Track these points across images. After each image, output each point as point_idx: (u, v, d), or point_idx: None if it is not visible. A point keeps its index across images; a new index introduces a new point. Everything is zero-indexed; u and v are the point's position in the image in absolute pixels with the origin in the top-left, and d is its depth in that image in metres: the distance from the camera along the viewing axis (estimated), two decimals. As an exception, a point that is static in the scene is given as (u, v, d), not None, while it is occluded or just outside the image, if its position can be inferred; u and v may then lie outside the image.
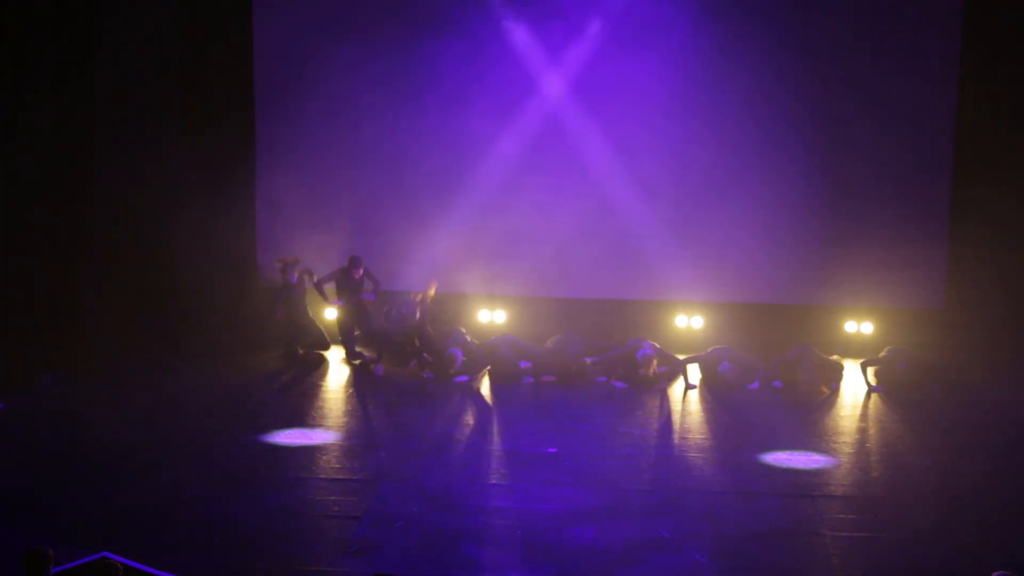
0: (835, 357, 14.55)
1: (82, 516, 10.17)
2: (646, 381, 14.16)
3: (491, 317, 15.87)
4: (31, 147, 14.14)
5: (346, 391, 14.14)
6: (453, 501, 10.62)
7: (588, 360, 14.41)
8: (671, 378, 14.27)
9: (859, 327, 15.52)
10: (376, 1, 15.72)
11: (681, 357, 14.35)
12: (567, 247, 15.56)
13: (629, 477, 11.29)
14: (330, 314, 15.50)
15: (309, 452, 11.86)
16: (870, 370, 14.33)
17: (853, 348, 15.29)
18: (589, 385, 14.23)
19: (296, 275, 15.19)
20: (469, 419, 13.03)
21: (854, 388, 14.32)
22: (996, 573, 7.28)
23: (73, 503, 10.45)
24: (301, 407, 13.36)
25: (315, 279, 15.30)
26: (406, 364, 14.78)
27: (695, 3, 15.30)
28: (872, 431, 12.67)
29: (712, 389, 14.18)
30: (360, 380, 14.53)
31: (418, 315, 14.64)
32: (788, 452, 11.95)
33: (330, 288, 15.25)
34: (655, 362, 14.16)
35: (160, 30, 15.43)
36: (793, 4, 15.29)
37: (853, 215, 15.49)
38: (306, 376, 14.62)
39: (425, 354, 14.66)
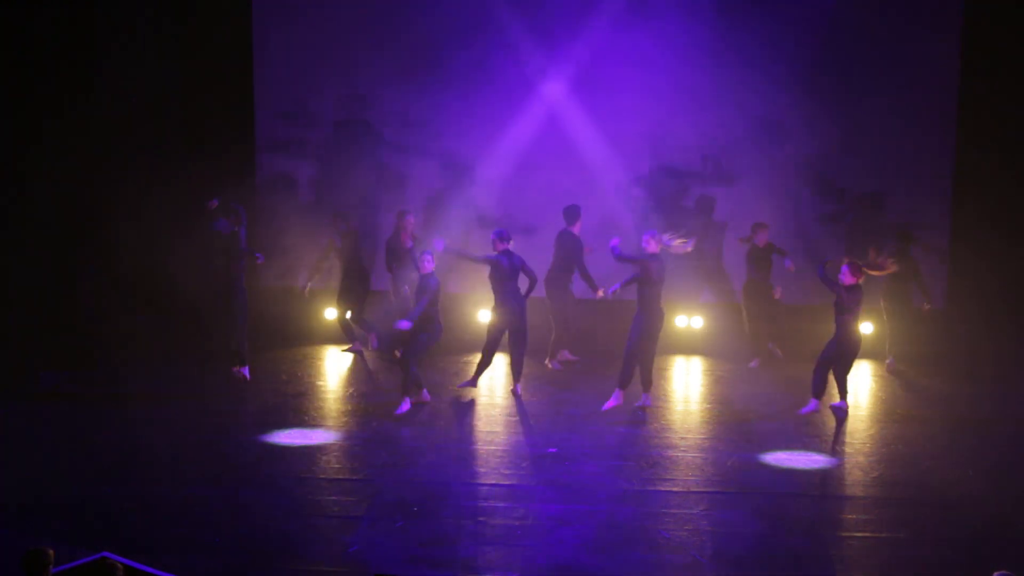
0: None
1: (82, 516, 10.17)
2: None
3: (491, 317, 15.84)
4: (33, 149, 14.15)
5: (346, 391, 14.13)
6: (453, 501, 10.62)
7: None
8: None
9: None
10: (375, 25, 15.82)
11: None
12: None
13: (629, 477, 11.28)
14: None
15: (309, 452, 11.85)
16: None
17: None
18: (591, 385, 14.24)
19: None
20: (469, 419, 13.02)
21: (854, 388, 14.32)
22: (996, 573, 7.27)
23: (73, 503, 10.45)
24: (301, 407, 13.35)
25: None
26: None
27: (696, 9, 15.32)
28: (872, 431, 12.66)
29: (713, 389, 14.18)
30: (360, 380, 14.53)
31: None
32: (788, 452, 11.95)
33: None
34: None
35: (161, 36, 15.48)
36: (795, 7, 15.30)
37: (853, 215, 15.50)
38: (306, 376, 14.62)
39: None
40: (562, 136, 15.75)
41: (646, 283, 12.75)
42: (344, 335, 15.51)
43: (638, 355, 12.91)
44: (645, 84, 15.56)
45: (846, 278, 12.46)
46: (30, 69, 14.08)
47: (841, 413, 12.76)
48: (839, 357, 12.63)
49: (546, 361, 14.83)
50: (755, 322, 14.98)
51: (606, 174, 15.72)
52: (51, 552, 7.15)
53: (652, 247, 12.81)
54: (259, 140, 16.29)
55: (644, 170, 15.75)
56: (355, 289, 15.22)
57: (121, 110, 15.22)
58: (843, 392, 12.77)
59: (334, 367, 15.05)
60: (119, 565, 7.17)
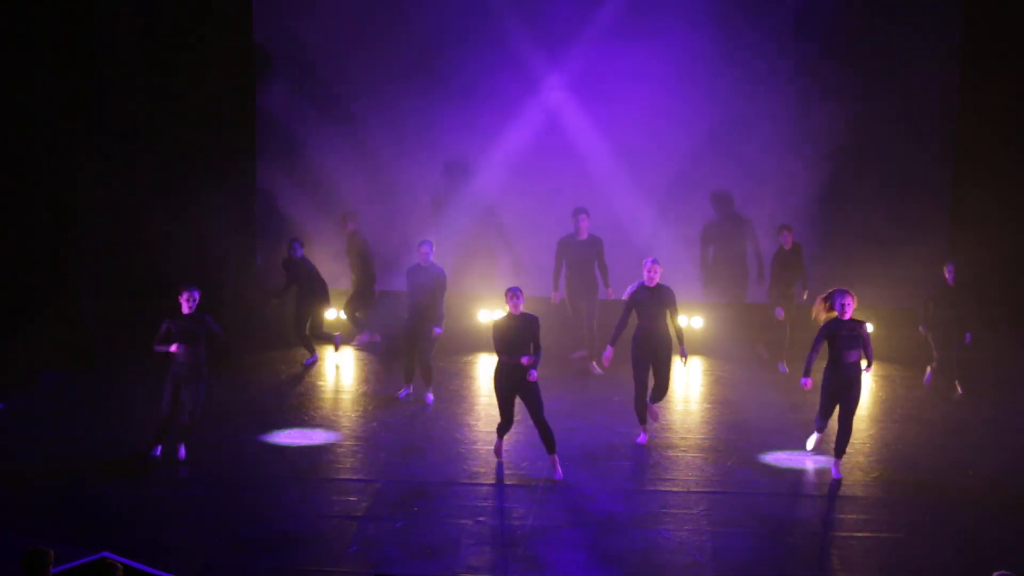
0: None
1: (82, 516, 10.17)
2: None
3: (491, 317, 15.87)
4: (32, 147, 14.14)
5: (347, 391, 14.14)
6: (453, 501, 10.62)
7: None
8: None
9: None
10: (376, 29, 15.83)
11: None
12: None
13: (629, 477, 11.28)
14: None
15: (309, 452, 11.85)
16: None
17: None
18: (590, 384, 14.24)
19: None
20: (469, 419, 13.03)
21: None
22: (997, 573, 7.28)
23: (73, 503, 10.45)
24: (301, 407, 13.35)
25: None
26: None
27: (697, 9, 15.33)
28: (872, 431, 12.65)
29: (713, 389, 14.20)
30: (360, 380, 14.54)
31: None
32: (788, 452, 11.95)
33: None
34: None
35: (160, 31, 15.49)
36: (794, 8, 15.31)
37: (854, 216, 15.51)
38: (306, 376, 14.62)
39: None
40: (563, 142, 15.73)
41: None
42: (331, 332, 15.31)
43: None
44: (646, 89, 15.55)
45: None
46: (29, 68, 14.06)
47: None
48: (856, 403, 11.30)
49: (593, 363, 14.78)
50: (780, 328, 14.85)
51: (607, 179, 15.71)
52: (51, 552, 7.15)
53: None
54: (259, 142, 16.29)
55: (646, 173, 15.73)
56: (359, 288, 15.27)
57: (121, 110, 15.23)
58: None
59: (334, 367, 15.05)
60: (119, 565, 7.16)
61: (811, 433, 11.70)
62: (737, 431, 12.62)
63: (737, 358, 15.19)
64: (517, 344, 11.03)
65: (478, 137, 15.80)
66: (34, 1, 14.01)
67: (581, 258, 14.62)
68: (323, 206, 16.11)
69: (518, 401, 11.23)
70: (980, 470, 11.49)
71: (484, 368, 14.99)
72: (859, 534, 10.05)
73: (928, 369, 14.03)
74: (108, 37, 14.95)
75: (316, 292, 14.86)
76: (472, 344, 15.53)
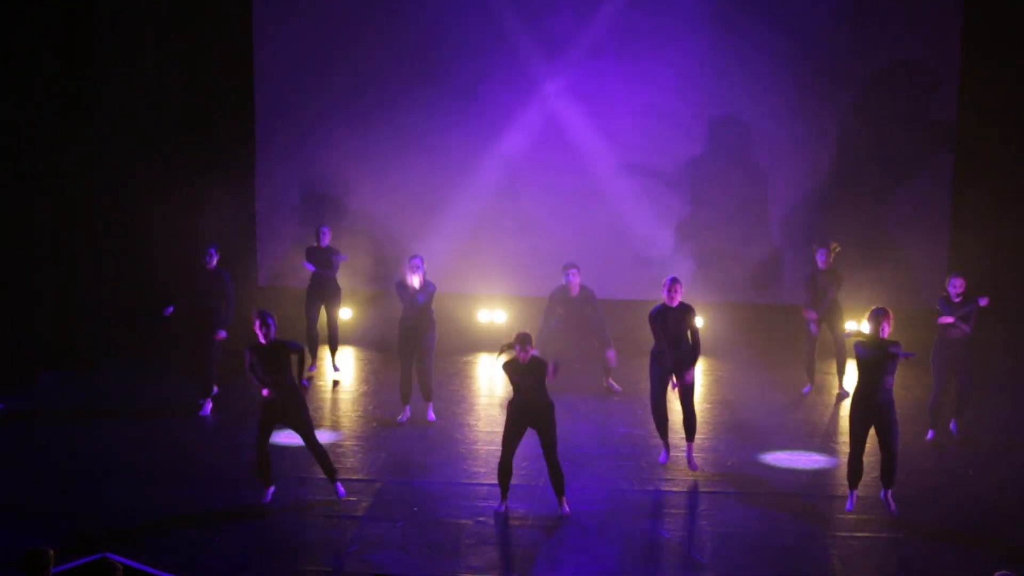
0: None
1: (82, 516, 10.18)
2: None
3: (491, 317, 15.89)
4: (32, 146, 14.14)
5: (347, 391, 14.13)
6: (453, 501, 10.63)
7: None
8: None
9: (859, 327, 15.51)
10: (375, 30, 15.82)
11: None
12: (567, 247, 15.56)
13: (629, 477, 11.29)
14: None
15: (309, 452, 11.84)
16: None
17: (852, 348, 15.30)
18: (593, 385, 14.23)
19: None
20: (469, 419, 13.04)
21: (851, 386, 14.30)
22: (998, 573, 7.28)
23: (73, 503, 10.45)
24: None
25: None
26: None
27: (696, 9, 15.33)
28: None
29: (713, 389, 14.20)
30: (360, 380, 14.54)
31: None
32: (788, 452, 11.95)
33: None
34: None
35: (160, 30, 15.51)
36: (794, 8, 15.32)
37: (853, 216, 15.51)
38: (306, 376, 14.61)
39: None
40: (563, 143, 15.73)
41: None
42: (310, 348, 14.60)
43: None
44: (645, 89, 15.56)
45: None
46: (29, 66, 14.06)
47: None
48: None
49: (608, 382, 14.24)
50: (811, 349, 13.80)
51: (608, 180, 15.71)
52: (51, 552, 7.15)
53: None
54: (259, 143, 16.29)
55: (645, 173, 15.73)
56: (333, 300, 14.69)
57: (121, 110, 15.23)
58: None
59: (334, 367, 15.02)
60: (119, 565, 7.17)
61: (842, 477, 10.87)
62: (737, 431, 12.62)
63: (737, 358, 15.18)
64: (530, 384, 10.25)
65: (478, 138, 15.80)
66: (34, 1, 14.00)
67: (575, 313, 13.85)
68: (322, 207, 16.10)
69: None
70: (980, 470, 11.49)
71: (484, 368, 14.99)
72: (859, 534, 10.05)
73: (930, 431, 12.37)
74: (108, 37, 14.94)
75: (217, 314, 12.92)
76: (472, 344, 15.53)
